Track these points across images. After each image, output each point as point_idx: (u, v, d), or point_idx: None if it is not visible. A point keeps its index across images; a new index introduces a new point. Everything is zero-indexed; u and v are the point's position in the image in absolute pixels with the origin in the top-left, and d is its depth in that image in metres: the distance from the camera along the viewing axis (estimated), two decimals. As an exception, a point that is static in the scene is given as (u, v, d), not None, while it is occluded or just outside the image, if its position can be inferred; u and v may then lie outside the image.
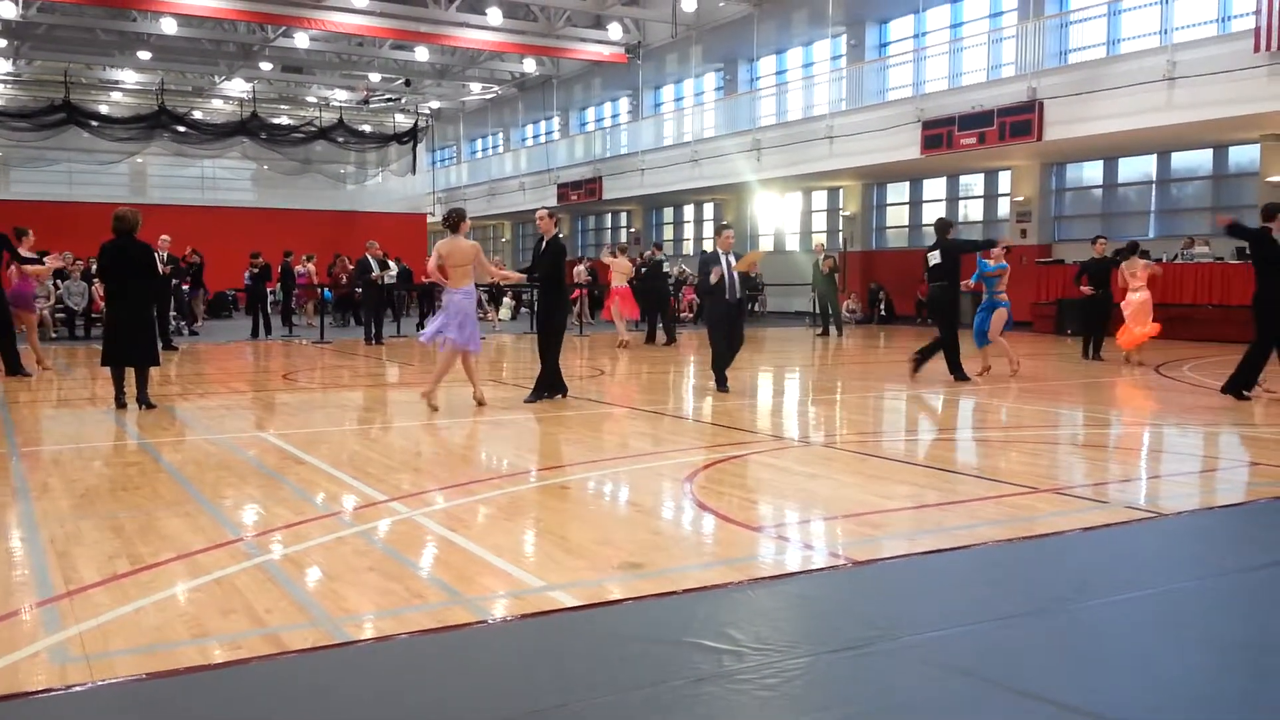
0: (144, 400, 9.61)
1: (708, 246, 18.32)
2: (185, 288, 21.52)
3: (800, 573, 4.52)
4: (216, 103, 37.83)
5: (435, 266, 9.53)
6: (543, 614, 3.88)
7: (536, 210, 10.61)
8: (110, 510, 5.57)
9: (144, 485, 6.24)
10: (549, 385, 10.29)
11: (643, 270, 19.88)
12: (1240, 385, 10.05)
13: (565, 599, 4.05)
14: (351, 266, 23.21)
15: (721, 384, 11.18)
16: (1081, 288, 14.80)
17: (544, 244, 10.20)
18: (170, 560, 4.60)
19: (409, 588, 4.22)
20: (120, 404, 9.58)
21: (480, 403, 9.88)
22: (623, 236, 37.95)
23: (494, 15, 29.43)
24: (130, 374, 9.68)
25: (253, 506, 5.77)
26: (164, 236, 18.02)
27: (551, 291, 10.51)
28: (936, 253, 12.19)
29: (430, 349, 13.82)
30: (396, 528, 5.29)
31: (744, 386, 11.77)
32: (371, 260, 19.37)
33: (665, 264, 19.57)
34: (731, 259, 11.11)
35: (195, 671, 3.32)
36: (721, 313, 11.25)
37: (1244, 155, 20.12)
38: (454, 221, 9.67)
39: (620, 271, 19.09)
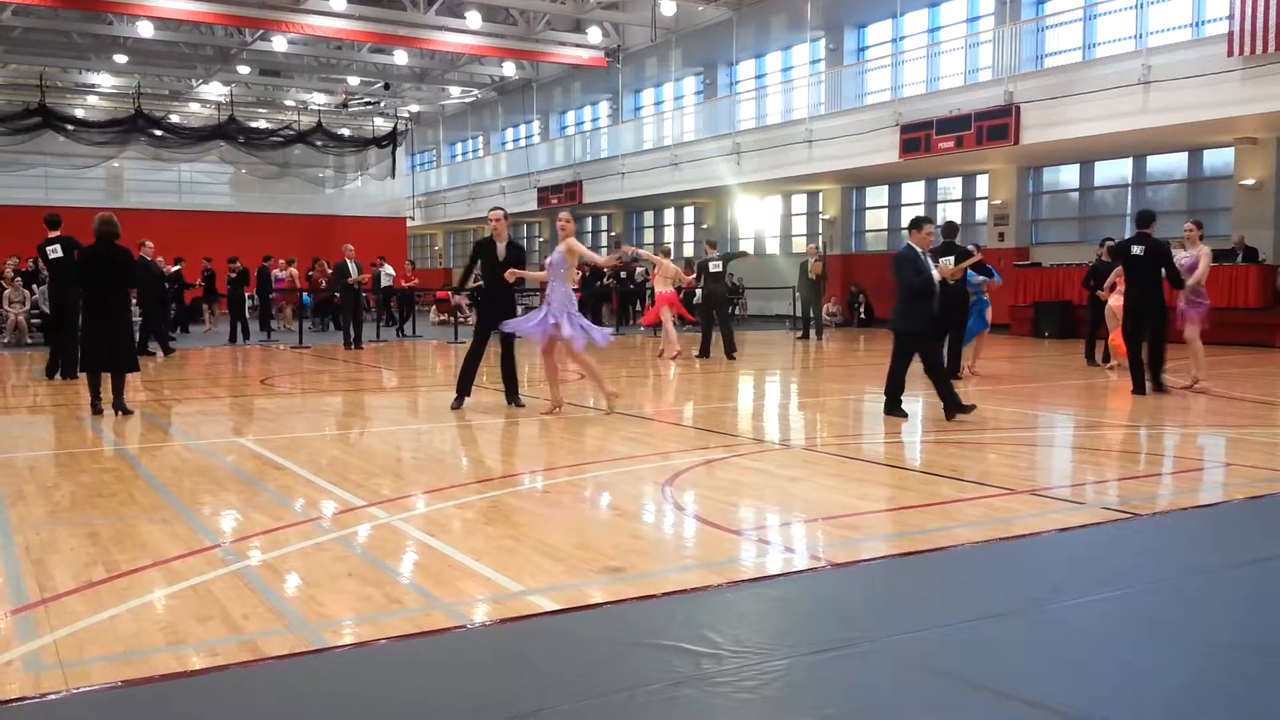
0: (120, 406, 9.52)
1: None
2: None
3: (780, 575, 4.53)
4: (194, 106, 37.61)
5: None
6: (521, 618, 3.87)
7: (493, 211, 10.11)
8: (86, 517, 5.53)
9: (120, 492, 6.20)
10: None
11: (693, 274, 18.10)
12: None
13: (544, 603, 4.05)
14: (330, 270, 23.10)
15: (897, 408, 9.36)
16: (1099, 294, 14.59)
17: (510, 243, 10.04)
18: (147, 567, 4.57)
19: (387, 593, 4.21)
20: (97, 410, 9.51)
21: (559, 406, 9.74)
22: (603, 240, 37.98)
23: (473, 19, 29.41)
24: (106, 379, 9.61)
25: (230, 513, 5.73)
26: (147, 242, 17.74)
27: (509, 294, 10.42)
28: (951, 258, 12.32)
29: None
30: (375, 533, 5.27)
31: (725, 391, 11.79)
32: (350, 264, 19.29)
33: (714, 264, 16.79)
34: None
35: (171, 679, 3.30)
36: (926, 327, 9.24)
37: (1219, 158, 20.32)
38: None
39: (666, 276, 16.90)
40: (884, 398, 9.38)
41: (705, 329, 16.98)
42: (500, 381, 10.30)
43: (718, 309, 16.97)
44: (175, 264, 21.66)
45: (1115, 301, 13.62)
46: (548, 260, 9.57)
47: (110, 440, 8.33)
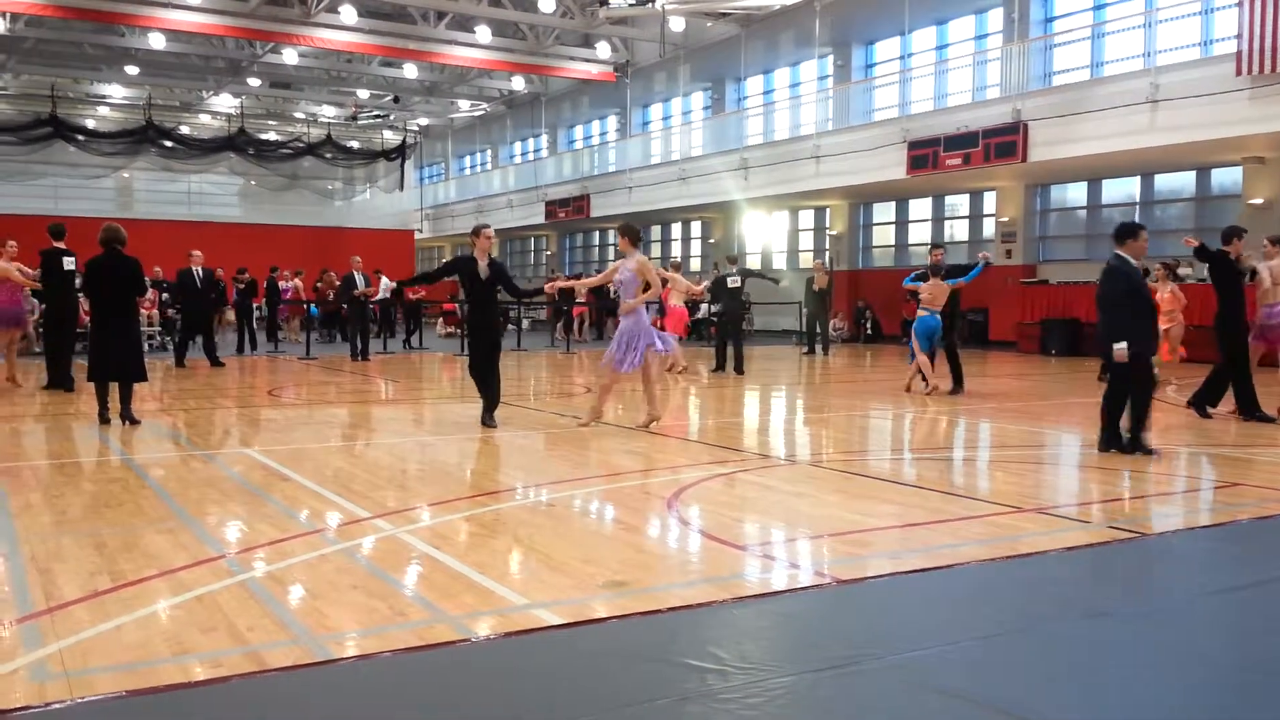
0: (128, 415, 9.54)
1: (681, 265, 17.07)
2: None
3: (785, 591, 4.52)
4: (204, 118, 37.85)
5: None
6: (526, 632, 3.87)
7: (485, 229, 10.02)
8: (92, 527, 5.54)
9: (127, 501, 6.21)
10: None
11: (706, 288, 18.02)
12: (1205, 402, 10.37)
13: (549, 617, 4.04)
14: (338, 282, 23.15)
15: (1138, 444, 8.14)
16: None
17: (491, 261, 9.96)
18: (152, 577, 4.57)
19: (392, 605, 4.21)
20: (104, 420, 9.52)
21: (589, 423, 9.82)
22: (610, 254, 38.02)
23: (483, 33, 29.55)
24: (114, 389, 9.60)
25: (236, 523, 5.74)
26: (195, 252, 17.66)
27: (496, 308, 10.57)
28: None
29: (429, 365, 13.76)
30: (380, 545, 5.27)
31: (731, 406, 11.78)
32: (357, 276, 19.33)
33: (732, 280, 16.66)
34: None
35: (175, 689, 3.30)
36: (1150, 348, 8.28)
37: (1226, 177, 20.29)
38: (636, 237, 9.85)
39: (678, 290, 16.78)
40: (1125, 435, 8.12)
41: (721, 344, 17.07)
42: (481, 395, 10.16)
43: (733, 325, 17.02)
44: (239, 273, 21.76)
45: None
46: (618, 279, 9.75)
47: (117, 450, 8.34)
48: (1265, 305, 10.70)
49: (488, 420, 9.77)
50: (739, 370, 16.13)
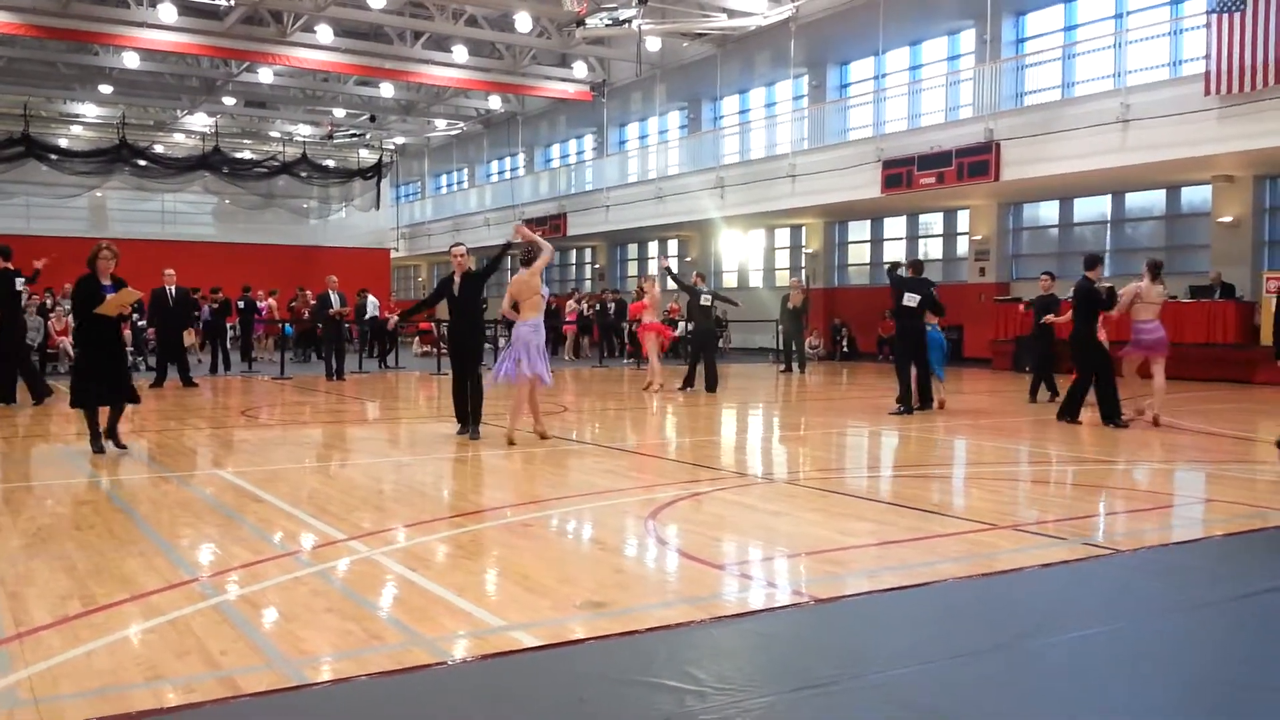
0: (114, 438, 9.06)
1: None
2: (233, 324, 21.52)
3: (763, 610, 4.51)
4: (178, 137, 37.63)
5: (510, 306, 9.76)
6: (503, 654, 3.84)
7: (454, 248, 10.43)
8: (63, 550, 5.47)
9: (98, 524, 6.13)
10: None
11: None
12: (1070, 413, 11.55)
13: (526, 639, 4.02)
14: (313, 301, 23.04)
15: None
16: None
17: (465, 277, 10.17)
18: (124, 601, 4.51)
19: (367, 629, 4.17)
20: (100, 449, 8.92)
21: (543, 436, 9.92)
22: (587, 273, 38.06)
23: (459, 53, 29.59)
24: (103, 412, 9.03)
25: (209, 546, 5.68)
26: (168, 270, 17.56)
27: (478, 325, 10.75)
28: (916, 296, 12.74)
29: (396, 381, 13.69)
30: (356, 567, 5.23)
31: (707, 424, 11.78)
32: (333, 295, 19.24)
33: (704, 296, 16.96)
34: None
35: (148, 715, 3.25)
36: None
37: (1196, 195, 20.55)
38: (533, 257, 9.86)
39: (652, 305, 16.90)
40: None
41: (693, 361, 16.99)
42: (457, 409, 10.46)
43: (706, 342, 17.00)
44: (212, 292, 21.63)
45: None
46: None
47: (88, 471, 8.25)
48: (1138, 321, 11.65)
49: (474, 434, 10.00)
50: (710, 388, 16.10)
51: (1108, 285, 11.62)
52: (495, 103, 37.70)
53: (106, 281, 9.01)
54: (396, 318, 15.01)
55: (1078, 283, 11.58)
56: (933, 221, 26.21)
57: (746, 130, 29.26)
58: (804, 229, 29.16)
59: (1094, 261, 11.71)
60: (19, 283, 13.30)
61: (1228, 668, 3.77)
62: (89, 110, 36.53)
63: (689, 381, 16.62)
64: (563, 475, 8.38)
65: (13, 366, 13.48)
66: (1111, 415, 11.23)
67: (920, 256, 24.88)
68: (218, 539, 5.81)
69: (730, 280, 31.43)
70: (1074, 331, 11.55)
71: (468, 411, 10.23)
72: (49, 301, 20.12)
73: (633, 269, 35.81)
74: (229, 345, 22.08)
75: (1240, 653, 3.96)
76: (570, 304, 28.67)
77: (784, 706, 3.31)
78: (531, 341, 9.59)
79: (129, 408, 9.44)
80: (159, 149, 34.65)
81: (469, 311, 10.35)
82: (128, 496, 7.16)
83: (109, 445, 9.04)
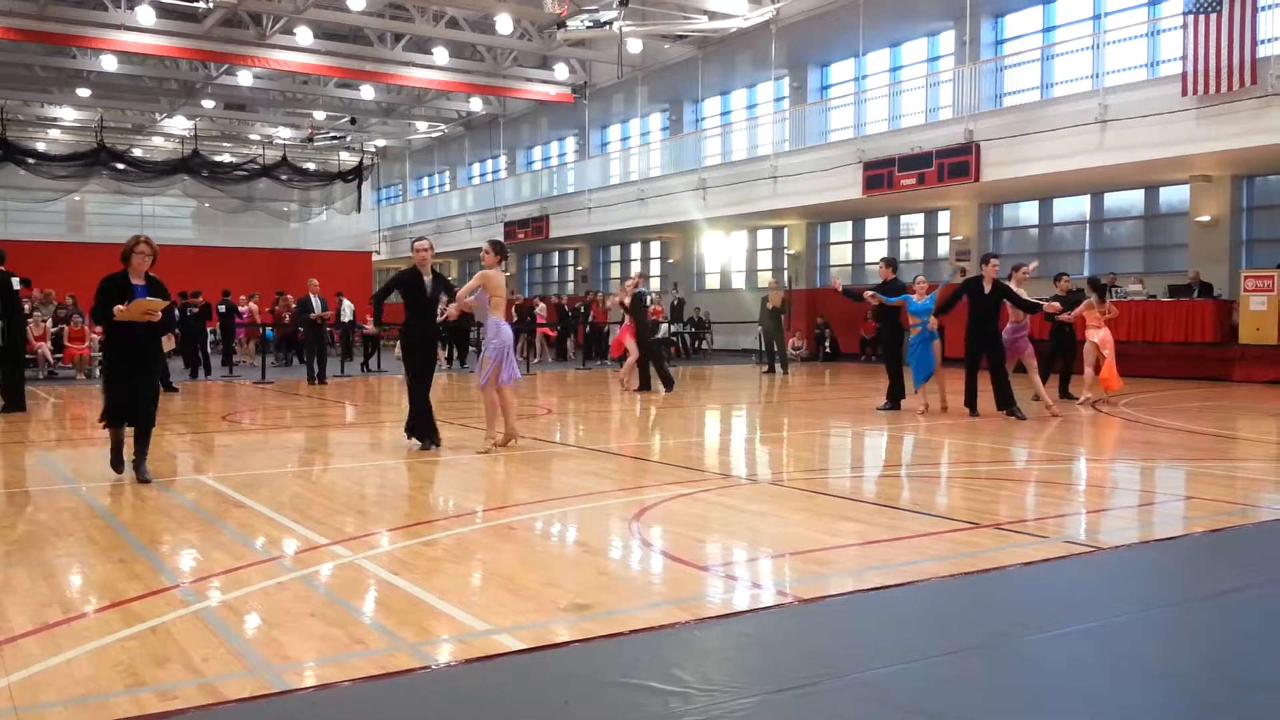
0: (137, 470, 7.88)
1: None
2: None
3: (747, 611, 4.52)
4: (157, 140, 37.42)
5: (474, 296, 9.47)
6: (487, 658, 3.83)
7: (419, 242, 9.83)
8: (43, 557, 5.42)
9: (78, 531, 6.09)
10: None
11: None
12: (1008, 403, 12.10)
13: (510, 642, 4.01)
14: (294, 305, 22.93)
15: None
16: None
17: (435, 278, 9.77)
18: (104, 608, 4.48)
19: (350, 634, 4.15)
20: (119, 468, 7.92)
21: (516, 437, 9.79)
22: (570, 275, 38.05)
23: (440, 55, 29.54)
24: (129, 433, 7.94)
25: (190, 552, 5.64)
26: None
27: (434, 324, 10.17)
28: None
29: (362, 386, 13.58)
30: (338, 572, 5.21)
31: (690, 425, 11.78)
32: (314, 298, 19.15)
33: (648, 296, 17.42)
34: None
35: (128, 724, 3.23)
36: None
37: (1174, 195, 20.71)
38: (505, 253, 9.75)
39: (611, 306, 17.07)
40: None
41: (644, 363, 16.84)
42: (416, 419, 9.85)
43: (649, 342, 17.05)
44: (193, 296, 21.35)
45: (1096, 336, 13.61)
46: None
47: (68, 478, 8.18)
48: (1012, 323, 12.66)
49: (436, 441, 9.68)
50: (668, 387, 16.11)
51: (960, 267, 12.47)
52: (476, 105, 37.66)
53: (139, 281, 7.94)
54: (371, 324, 14.67)
55: (996, 281, 12.17)
56: (914, 222, 26.33)
57: (728, 132, 29.32)
58: (786, 230, 29.24)
59: (985, 260, 12.46)
60: (15, 283, 13.17)
61: (1211, 664, 3.79)
62: (67, 113, 36.31)
63: (645, 384, 16.51)
64: (546, 478, 8.36)
65: (20, 370, 13.39)
66: (1006, 403, 12.05)
67: (901, 257, 25.10)
68: (199, 545, 5.77)
69: (713, 282, 31.50)
70: (985, 325, 12.19)
71: (433, 423, 9.82)
72: (27, 306, 19.97)
73: (615, 271, 35.83)
74: (209, 350, 21.94)
75: (1223, 649, 3.98)
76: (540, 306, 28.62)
77: (769, 707, 3.31)
78: (509, 342, 9.60)
79: (92, 413, 8.41)
80: (138, 152, 34.45)
81: (434, 314, 9.92)
82: (107, 502, 7.10)
83: (132, 472, 7.90)
